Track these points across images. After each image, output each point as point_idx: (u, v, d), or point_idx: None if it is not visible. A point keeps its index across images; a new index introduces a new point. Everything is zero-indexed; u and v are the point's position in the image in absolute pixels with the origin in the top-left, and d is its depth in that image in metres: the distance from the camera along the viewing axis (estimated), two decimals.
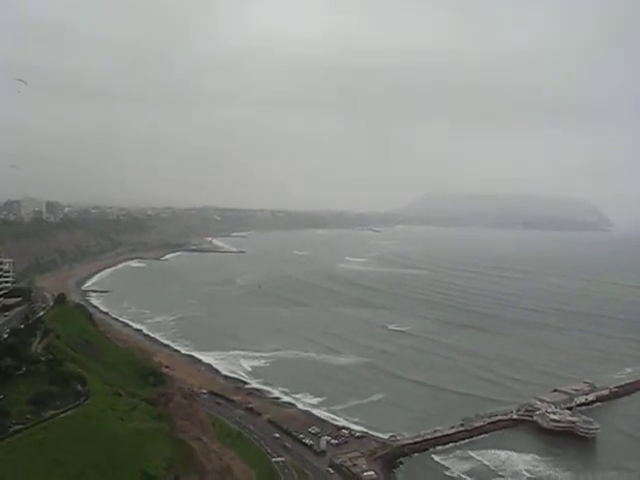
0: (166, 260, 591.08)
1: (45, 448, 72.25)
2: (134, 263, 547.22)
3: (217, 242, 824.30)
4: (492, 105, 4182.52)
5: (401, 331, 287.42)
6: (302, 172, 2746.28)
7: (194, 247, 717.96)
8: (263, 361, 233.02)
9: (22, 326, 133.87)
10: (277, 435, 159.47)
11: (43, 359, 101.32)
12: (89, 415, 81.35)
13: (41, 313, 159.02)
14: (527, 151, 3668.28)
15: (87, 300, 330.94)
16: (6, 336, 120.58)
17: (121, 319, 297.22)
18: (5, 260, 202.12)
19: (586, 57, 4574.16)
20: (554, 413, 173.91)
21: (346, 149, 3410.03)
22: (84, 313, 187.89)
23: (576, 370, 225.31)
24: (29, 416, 78.53)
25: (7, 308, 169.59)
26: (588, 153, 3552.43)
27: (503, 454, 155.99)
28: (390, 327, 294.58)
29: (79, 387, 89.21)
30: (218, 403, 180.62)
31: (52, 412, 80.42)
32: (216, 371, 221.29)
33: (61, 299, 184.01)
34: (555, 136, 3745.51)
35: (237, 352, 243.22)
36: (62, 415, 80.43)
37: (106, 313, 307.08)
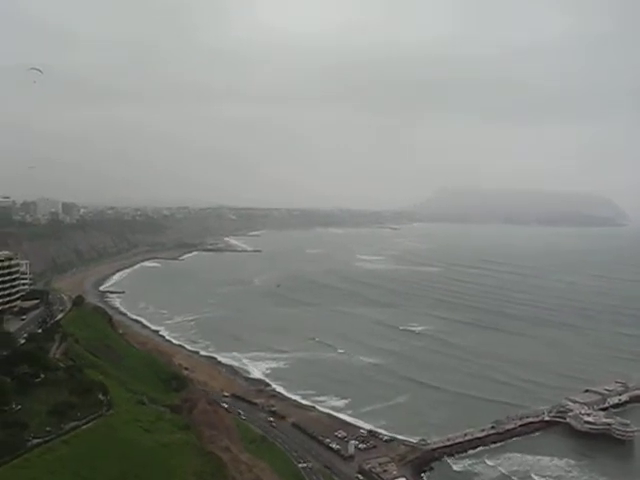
0: (183, 260, 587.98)
1: (67, 463, 67.93)
2: (151, 263, 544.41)
3: (233, 241, 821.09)
4: (504, 98, 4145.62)
5: (420, 332, 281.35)
6: (316, 168, 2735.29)
7: (210, 247, 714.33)
8: (282, 362, 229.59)
9: (40, 330, 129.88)
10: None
11: (62, 365, 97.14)
12: (112, 427, 76.85)
13: (59, 316, 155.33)
14: (541, 145, 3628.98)
15: (105, 301, 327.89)
16: (23, 341, 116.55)
17: (139, 320, 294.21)
18: (22, 262, 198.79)
19: (595, 46, 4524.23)
20: (588, 415, 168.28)
21: (361, 145, 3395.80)
22: (103, 315, 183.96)
23: (599, 371, 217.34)
24: (49, 429, 74.05)
25: (24, 311, 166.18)
26: (602, 145, 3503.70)
27: (536, 459, 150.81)
28: (410, 328, 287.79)
29: (101, 396, 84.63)
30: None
31: (73, 424, 76.00)
32: (236, 373, 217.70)
33: (79, 301, 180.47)
34: (570, 129, 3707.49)
35: (256, 353, 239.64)
36: (84, 427, 76.08)
37: (124, 314, 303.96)
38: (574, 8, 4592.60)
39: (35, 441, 70.76)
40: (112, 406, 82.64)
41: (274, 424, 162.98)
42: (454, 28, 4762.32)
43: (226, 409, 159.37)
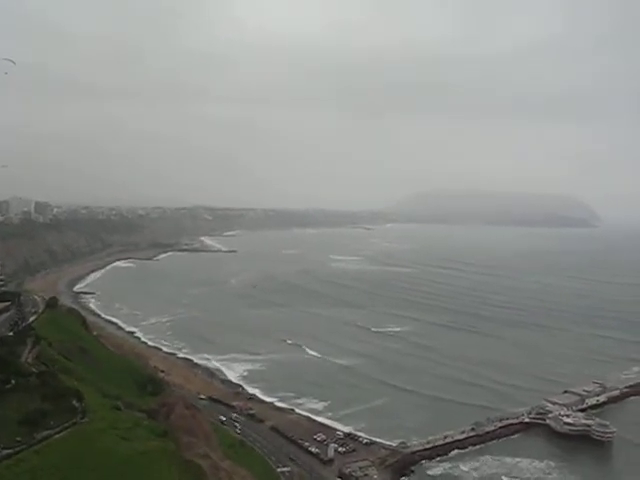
0: (158, 260, 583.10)
1: (38, 475, 64.39)
2: (125, 264, 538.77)
3: (209, 242, 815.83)
4: (486, 101, 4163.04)
5: (394, 334, 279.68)
6: (294, 169, 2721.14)
7: (186, 247, 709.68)
8: (259, 365, 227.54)
9: (11, 333, 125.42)
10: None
11: (35, 371, 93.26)
12: (87, 435, 73.42)
13: (31, 319, 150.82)
14: (520, 148, 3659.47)
15: (79, 302, 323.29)
16: None
17: (114, 321, 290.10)
18: None
19: (584, 53, 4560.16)
20: (567, 416, 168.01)
21: (338, 146, 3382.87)
22: (77, 317, 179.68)
23: (575, 373, 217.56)
24: (19, 439, 70.25)
25: None
26: (581, 150, 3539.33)
27: (515, 461, 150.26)
28: (385, 330, 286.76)
29: (75, 403, 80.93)
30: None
31: (45, 433, 72.09)
32: (213, 375, 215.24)
33: (53, 303, 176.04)
34: (547, 133, 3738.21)
35: (232, 355, 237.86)
36: (57, 436, 72.13)
37: (98, 315, 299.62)
38: (576, 8, 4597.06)
39: (5, 452, 67.15)
40: (87, 413, 79.18)
41: (236, 419, 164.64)
42: (453, 29, 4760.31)
43: (222, 422, 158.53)
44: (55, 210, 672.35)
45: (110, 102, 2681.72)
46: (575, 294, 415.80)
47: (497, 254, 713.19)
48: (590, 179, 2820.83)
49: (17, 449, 68.33)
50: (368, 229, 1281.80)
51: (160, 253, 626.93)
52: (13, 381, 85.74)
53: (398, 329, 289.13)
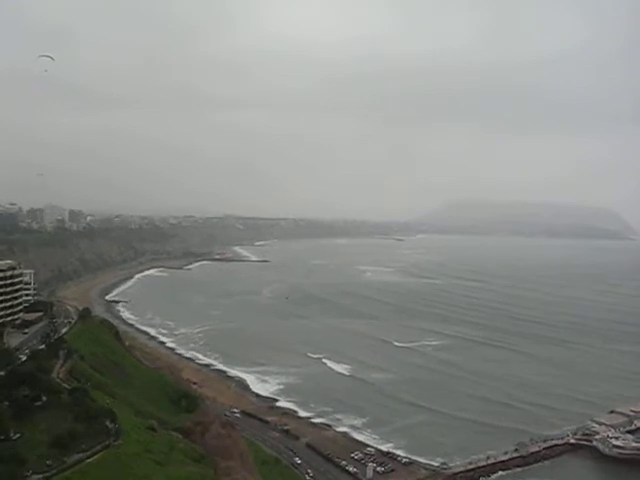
0: (189, 270, 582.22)
1: None
2: (157, 272, 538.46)
3: (240, 251, 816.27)
4: (512, 110, 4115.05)
5: (424, 350, 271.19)
6: (323, 178, 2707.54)
7: (218, 256, 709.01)
8: (292, 378, 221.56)
9: (43, 346, 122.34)
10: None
11: (67, 387, 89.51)
12: (121, 460, 69.35)
13: (64, 330, 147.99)
14: (549, 157, 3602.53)
15: (111, 311, 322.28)
16: (24, 358, 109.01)
17: (146, 331, 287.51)
18: (26, 271, 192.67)
19: (609, 63, 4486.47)
20: (616, 438, 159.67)
21: (367, 155, 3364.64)
22: (110, 329, 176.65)
23: (613, 394, 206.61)
24: (49, 462, 66.38)
25: (27, 324, 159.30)
26: (610, 159, 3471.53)
27: None
28: (415, 345, 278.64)
29: (108, 423, 76.85)
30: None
31: (77, 457, 68.34)
32: (246, 388, 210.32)
33: (86, 314, 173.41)
34: (575, 142, 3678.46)
35: (264, 368, 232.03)
36: (89, 460, 68.34)
37: (131, 325, 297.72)
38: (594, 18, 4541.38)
39: (35, 477, 63.40)
40: (120, 434, 75.10)
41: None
42: (484, 37, 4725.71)
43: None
44: (88, 218, 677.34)
45: (122, 111, 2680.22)
46: (607, 309, 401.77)
47: (527, 266, 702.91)
48: (621, 191, 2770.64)
49: (47, 474, 64.46)
50: (399, 240, 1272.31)
51: (192, 262, 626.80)
52: (44, 398, 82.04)
53: (428, 344, 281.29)
